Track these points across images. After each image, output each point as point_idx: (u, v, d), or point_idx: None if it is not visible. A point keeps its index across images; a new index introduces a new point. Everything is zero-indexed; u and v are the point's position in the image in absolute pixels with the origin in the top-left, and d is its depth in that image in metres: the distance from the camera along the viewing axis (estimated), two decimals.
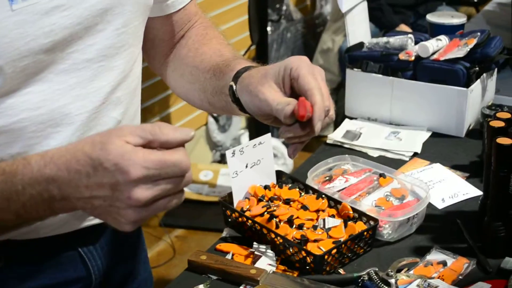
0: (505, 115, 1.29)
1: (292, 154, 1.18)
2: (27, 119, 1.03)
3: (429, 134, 1.73)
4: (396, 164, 1.60)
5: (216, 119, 3.31)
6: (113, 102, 1.14)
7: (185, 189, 2.94)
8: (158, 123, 0.90)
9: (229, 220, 1.37)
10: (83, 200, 0.89)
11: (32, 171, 0.90)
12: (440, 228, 1.36)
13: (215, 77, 1.26)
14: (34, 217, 0.96)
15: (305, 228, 1.28)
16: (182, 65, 1.35)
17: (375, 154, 1.67)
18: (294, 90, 1.14)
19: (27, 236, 1.11)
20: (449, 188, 1.49)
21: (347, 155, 1.56)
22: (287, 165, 3.44)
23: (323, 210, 1.33)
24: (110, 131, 0.91)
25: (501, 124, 1.25)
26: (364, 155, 1.64)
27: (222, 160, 3.49)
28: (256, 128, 2.94)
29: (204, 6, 3.41)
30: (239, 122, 3.55)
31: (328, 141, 1.75)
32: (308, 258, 1.21)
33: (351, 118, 1.85)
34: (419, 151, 1.67)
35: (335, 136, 1.75)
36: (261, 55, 2.80)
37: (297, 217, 1.30)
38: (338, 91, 3.72)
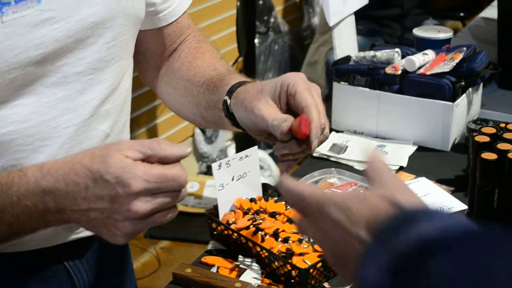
0: (490, 130, 1.30)
1: (286, 171, 1.17)
2: (15, 131, 1.02)
3: (415, 148, 1.74)
4: None
5: (203, 131, 3.31)
6: (102, 115, 1.14)
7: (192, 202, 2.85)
8: (156, 139, 0.92)
9: (215, 232, 1.37)
10: (79, 212, 0.89)
11: (28, 183, 0.90)
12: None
13: (209, 91, 1.25)
14: (26, 229, 0.96)
15: (290, 241, 1.27)
16: (175, 79, 1.35)
17: (361, 167, 1.65)
18: (290, 107, 1.13)
19: (12, 249, 1.10)
20: (435, 202, 1.48)
21: (333, 169, 1.56)
22: (274, 177, 3.45)
23: None
24: (109, 145, 0.92)
25: (486, 139, 1.26)
26: (351, 169, 1.64)
27: (209, 171, 3.48)
28: (242, 141, 2.94)
29: (192, 17, 3.41)
30: (226, 134, 3.55)
31: (314, 154, 1.75)
32: (293, 272, 1.20)
33: (337, 131, 1.85)
34: (404, 164, 1.67)
35: (322, 149, 1.75)
36: (249, 67, 2.80)
37: (283, 231, 1.30)
38: (325, 103, 3.74)
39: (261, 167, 3.40)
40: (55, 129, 1.07)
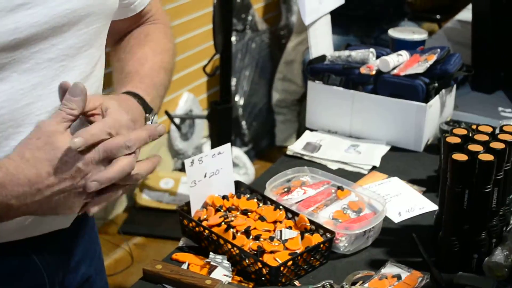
0: (461, 131, 1.30)
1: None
2: None
3: (388, 148, 1.74)
4: (355, 177, 1.61)
5: (178, 127, 3.32)
6: None
7: (146, 196, 2.92)
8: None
9: (186, 229, 1.37)
10: (40, 201, 0.98)
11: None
12: (395, 241, 1.36)
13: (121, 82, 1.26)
14: None
15: (262, 239, 1.28)
16: (117, 58, 1.35)
17: (334, 166, 1.68)
18: None
19: None
20: (406, 202, 1.50)
21: (306, 167, 1.56)
22: (249, 174, 3.46)
23: (280, 222, 1.34)
24: (42, 132, 1.00)
25: (457, 140, 1.25)
26: (323, 167, 1.64)
27: (183, 168, 3.48)
28: (218, 138, 2.95)
29: (169, 14, 3.42)
30: (201, 130, 3.57)
31: (288, 153, 1.75)
32: (264, 270, 1.21)
33: (311, 130, 1.86)
34: (377, 164, 1.68)
35: (295, 147, 1.76)
36: (225, 65, 2.82)
37: (254, 228, 1.31)
38: (301, 102, 3.76)
39: (236, 165, 3.42)
40: (28, 116, 1.06)
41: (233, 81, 3.53)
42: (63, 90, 1.05)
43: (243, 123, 3.65)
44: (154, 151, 3.14)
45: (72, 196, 1.00)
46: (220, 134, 2.91)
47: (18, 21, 1.00)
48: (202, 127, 3.59)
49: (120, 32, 1.34)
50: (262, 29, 3.85)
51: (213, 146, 2.94)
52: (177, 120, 3.32)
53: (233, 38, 3.51)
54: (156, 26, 1.38)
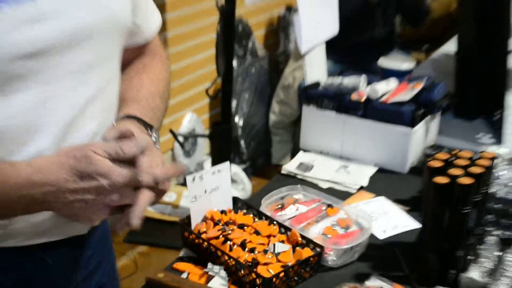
0: (444, 156, 1.30)
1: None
2: (7, 126, 1.00)
3: (375, 169, 1.74)
4: (344, 195, 1.60)
5: (181, 145, 3.31)
6: (89, 115, 1.11)
7: (150, 208, 2.90)
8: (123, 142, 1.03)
9: (187, 241, 1.38)
10: (65, 203, 0.98)
11: (18, 176, 0.97)
12: (380, 257, 1.36)
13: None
14: (3, 214, 1.01)
15: (256, 251, 1.28)
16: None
17: (325, 185, 1.67)
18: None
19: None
20: (391, 220, 1.50)
21: (299, 185, 1.56)
22: (246, 190, 3.45)
23: (274, 236, 1.34)
24: (86, 146, 1.00)
25: (439, 164, 1.26)
26: (315, 186, 1.64)
27: (186, 183, 3.47)
28: (218, 155, 2.94)
29: (175, 39, 3.40)
30: (203, 148, 3.56)
31: (282, 172, 1.75)
32: (257, 280, 1.21)
33: (305, 151, 1.85)
34: (365, 184, 1.67)
35: (289, 167, 1.75)
36: (226, 88, 2.83)
37: (250, 241, 1.31)
38: (296, 124, 3.75)
39: (235, 181, 3.41)
40: (45, 124, 1.04)
41: (234, 103, 3.52)
42: (121, 132, 1.06)
43: (242, 142, 3.64)
44: None
45: (93, 209, 1.00)
46: (220, 152, 2.90)
47: (37, 32, 0.99)
48: (204, 145, 3.58)
49: (123, 62, 1.31)
50: (262, 55, 3.85)
51: (214, 163, 2.93)
52: (180, 138, 3.30)
53: (235, 63, 3.49)
54: (154, 58, 1.37)
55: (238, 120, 3.63)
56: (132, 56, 1.33)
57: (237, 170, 3.43)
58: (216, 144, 2.94)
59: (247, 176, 3.53)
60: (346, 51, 3.32)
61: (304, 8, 1.79)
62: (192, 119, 3.52)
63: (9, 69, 0.97)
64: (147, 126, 1.17)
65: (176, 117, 3.43)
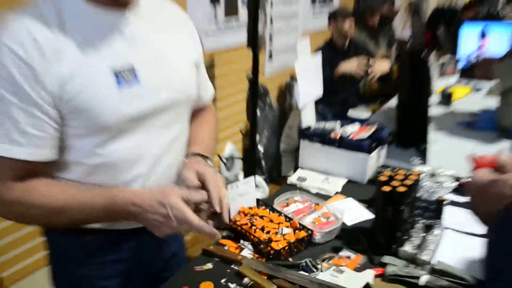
0: (388, 173, 1.30)
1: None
2: (120, 159, 0.98)
3: (346, 180, 1.72)
4: (326, 197, 1.59)
5: (225, 164, 3.30)
6: (169, 152, 1.08)
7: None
8: (192, 189, 0.99)
9: (227, 225, 1.35)
10: (147, 219, 0.94)
11: (124, 197, 0.94)
12: (349, 236, 1.35)
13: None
14: (111, 219, 0.98)
15: (270, 233, 1.27)
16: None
17: (314, 191, 1.66)
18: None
19: (108, 227, 1.06)
20: (356, 213, 1.49)
21: (297, 191, 1.55)
22: (265, 192, 3.38)
23: (281, 223, 1.33)
24: (169, 189, 0.95)
25: (385, 178, 1.26)
26: (308, 192, 1.63)
27: (227, 189, 3.41)
28: (247, 170, 2.93)
29: (221, 98, 3.37)
30: (238, 165, 3.54)
31: (288, 182, 1.73)
32: (271, 251, 1.21)
33: (302, 168, 1.84)
34: (339, 190, 1.65)
35: (292, 179, 1.74)
36: (252, 128, 2.79)
37: (267, 226, 1.30)
38: (297, 150, 3.68)
39: (258, 186, 3.36)
40: (142, 158, 1.01)
41: (257, 137, 3.49)
42: (192, 183, 1.00)
43: (263, 162, 3.60)
44: None
45: (162, 226, 0.95)
46: (249, 168, 2.89)
47: (139, 105, 0.96)
48: (238, 164, 3.55)
49: (191, 115, 1.28)
50: (275, 107, 3.83)
51: (245, 175, 2.92)
52: (224, 159, 3.30)
53: (258, 112, 3.44)
54: (209, 113, 1.33)
55: (261, 148, 3.60)
56: (195, 113, 1.29)
57: (259, 179, 3.38)
58: (246, 163, 2.95)
59: (266, 183, 3.49)
60: (330, 104, 3.31)
61: (301, 80, 1.78)
62: (231, 147, 3.50)
63: (123, 126, 0.95)
64: (206, 157, 1.14)
65: (221, 146, 3.40)
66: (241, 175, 3.53)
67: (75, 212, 0.92)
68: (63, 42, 0.85)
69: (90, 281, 1.07)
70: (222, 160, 3.19)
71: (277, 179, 3.86)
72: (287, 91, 4.13)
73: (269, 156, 3.69)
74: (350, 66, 3.12)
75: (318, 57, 1.89)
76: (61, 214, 0.92)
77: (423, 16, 1.82)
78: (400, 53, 1.97)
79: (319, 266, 1.17)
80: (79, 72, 0.86)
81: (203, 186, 1.01)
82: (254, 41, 2.30)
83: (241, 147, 3.69)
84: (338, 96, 3.30)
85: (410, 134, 2.03)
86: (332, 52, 3.28)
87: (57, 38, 0.85)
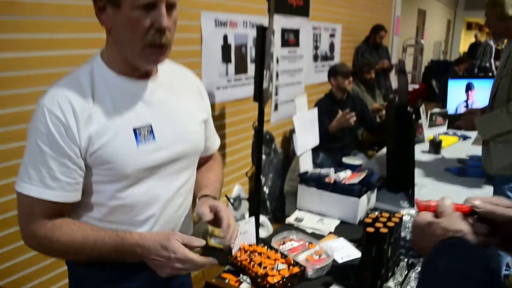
0: (373, 215, 1.33)
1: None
2: (136, 200, 1.02)
3: (339, 221, 1.75)
4: (320, 237, 1.62)
5: (232, 204, 3.27)
6: (179, 195, 1.11)
7: (213, 240, 2.77)
8: (191, 237, 1.01)
9: (229, 260, 1.39)
10: (151, 259, 0.98)
11: (131, 239, 0.99)
12: (339, 273, 1.37)
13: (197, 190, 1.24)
14: (119, 257, 1.01)
15: (267, 268, 1.30)
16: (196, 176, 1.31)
17: (309, 230, 1.69)
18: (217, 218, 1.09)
19: (122, 260, 1.05)
20: (346, 251, 1.51)
21: (293, 230, 1.58)
22: (269, 231, 3.30)
23: (277, 259, 1.36)
24: (172, 234, 0.99)
25: (369, 220, 1.30)
26: (304, 231, 1.66)
27: None
28: (253, 210, 2.91)
29: (229, 145, 3.38)
30: (245, 205, 3.52)
31: (286, 222, 1.77)
32: (267, 284, 1.23)
33: (300, 210, 1.87)
34: (332, 230, 1.68)
35: (290, 219, 1.78)
36: (257, 173, 2.74)
37: (264, 262, 1.33)
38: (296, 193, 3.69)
39: (262, 226, 3.33)
40: (155, 200, 1.05)
41: (263, 180, 3.49)
42: (207, 217, 1.05)
43: (268, 202, 3.59)
44: None
45: (164, 267, 0.98)
46: (254, 209, 2.77)
47: (155, 156, 1.01)
48: (245, 204, 3.51)
49: (199, 162, 1.29)
50: (280, 152, 3.84)
51: (250, 214, 2.90)
52: (232, 200, 3.27)
53: (264, 157, 3.47)
54: (215, 162, 1.35)
55: (266, 189, 3.60)
56: (203, 160, 1.31)
57: (264, 219, 3.33)
58: (252, 203, 2.90)
59: (270, 222, 3.44)
60: (329, 151, 3.36)
61: (299, 131, 1.87)
62: (239, 189, 3.50)
63: (140, 175, 1.01)
64: (214, 198, 1.16)
65: (229, 188, 3.41)
66: (247, 214, 3.53)
67: (89, 251, 0.98)
68: (93, 107, 0.95)
69: None
70: (229, 201, 3.15)
71: (281, 219, 3.78)
72: (291, 137, 4.16)
73: (273, 197, 3.66)
74: (337, 122, 3.14)
75: (314, 112, 1.98)
76: (79, 251, 0.98)
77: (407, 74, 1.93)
78: (387, 107, 2.03)
79: None
80: (105, 131, 0.95)
81: (216, 216, 1.07)
82: (260, 96, 2.39)
83: (248, 188, 3.69)
84: (336, 144, 3.35)
85: (398, 179, 2.07)
86: (331, 104, 3.39)
87: (89, 104, 0.95)
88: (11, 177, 1.74)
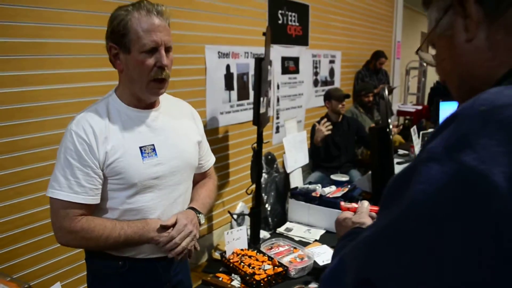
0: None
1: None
2: (142, 205, 1.18)
3: (324, 231, 1.88)
4: (306, 244, 1.74)
5: (235, 220, 3.36)
6: (176, 204, 1.25)
7: (216, 253, 2.85)
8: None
9: (223, 262, 1.53)
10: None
11: (149, 224, 1.16)
12: (319, 273, 1.47)
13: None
14: (134, 242, 1.18)
15: (255, 268, 1.44)
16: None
17: (297, 239, 1.82)
18: None
19: (135, 255, 1.23)
20: (328, 256, 1.62)
21: (281, 238, 1.71)
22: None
23: (265, 261, 1.50)
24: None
25: None
26: (292, 239, 1.79)
27: None
28: (253, 226, 2.81)
29: (233, 165, 3.46)
30: (247, 221, 3.53)
31: (277, 231, 1.90)
32: (254, 281, 1.38)
33: (290, 221, 2.00)
34: (318, 238, 1.81)
35: (281, 229, 1.92)
36: (257, 190, 2.82)
37: (252, 263, 1.47)
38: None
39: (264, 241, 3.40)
40: (158, 205, 1.20)
41: (265, 197, 3.54)
42: (166, 223, 1.18)
43: (269, 219, 3.66)
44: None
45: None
46: (254, 224, 2.85)
47: (157, 169, 1.18)
48: (247, 220, 3.53)
49: (195, 179, 1.40)
50: (281, 171, 3.87)
51: (252, 230, 2.84)
52: (235, 216, 3.35)
53: (266, 175, 3.57)
54: (209, 180, 1.46)
55: (268, 206, 3.68)
56: (200, 177, 1.44)
57: (266, 234, 3.46)
58: (252, 219, 2.88)
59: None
60: (328, 169, 3.45)
61: (288, 151, 2.04)
62: (242, 206, 3.57)
63: (144, 184, 1.17)
64: (198, 212, 1.29)
65: (233, 205, 3.47)
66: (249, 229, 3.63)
67: (117, 235, 1.15)
68: (109, 130, 1.17)
69: None
70: (232, 216, 3.25)
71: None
72: None
73: (275, 214, 3.74)
74: (316, 134, 3.19)
75: (303, 135, 2.17)
76: (109, 237, 1.14)
77: (387, 99, 2.10)
78: (370, 129, 2.19)
79: None
80: (118, 149, 1.16)
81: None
82: (258, 121, 2.60)
83: (250, 205, 3.71)
84: (334, 164, 3.47)
85: (381, 193, 2.22)
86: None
87: (106, 128, 1.16)
88: (36, 193, 1.97)
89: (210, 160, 1.49)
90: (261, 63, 2.54)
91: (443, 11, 0.56)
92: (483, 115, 0.42)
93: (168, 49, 1.16)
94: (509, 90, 0.45)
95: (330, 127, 3.12)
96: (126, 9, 1.12)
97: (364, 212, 0.89)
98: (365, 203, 0.92)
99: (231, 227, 3.55)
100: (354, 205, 0.97)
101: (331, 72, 5.00)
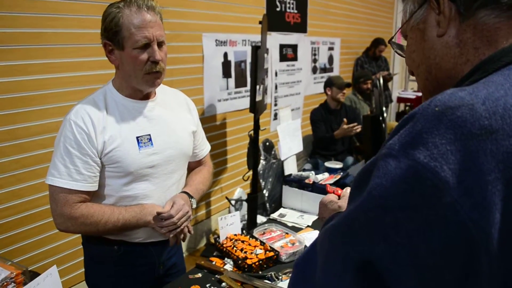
0: None
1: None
2: (137, 193, 1.23)
3: (316, 217, 1.89)
4: (298, 229, 1.77)
5: (234, 205, 3.37)
6: (171, 191, 1.29)
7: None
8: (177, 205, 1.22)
9: (217, 246, 1.57)
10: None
11: (145, 208, 1.20)
12: None
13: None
14: (131, 226, 1.21)
15: (247, 253, 1.48)
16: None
17: (290, 224, 1.84)
18: None
19: (131, 240, 1.27)
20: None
21: (273, 224, 1.74)
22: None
23: (257, 246, 1.53)
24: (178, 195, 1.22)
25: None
26: (285, 225, 1.81)
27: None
28: (251, 209, 2.95)
29: (231, 152, 3.47)
30: (245, 207, 3.51)
31: (271, 217, 1.93)
32: (246, 265, 1.41)
33: (284, 208, 2.03)
34: (310, 224, 1.83)
35: (274, 215, 1.95)
36: (254, 175, 2.84)
37: (245, 248, 1.50)
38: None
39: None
40: (153, 192, 1.25)
41: (262, 183, 3.52)
42: (163, 209, 1.21)
43: (267, 204, 3.64)
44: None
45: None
46: (252, 210, 2.94)
47: (152, 158, 1.21)
48: (245, 205, 3.51)
49: (190, 166, 1.46)
50: (279, 157, 3.96)
51: (249, 215, 2.96)
52: (233, 202, 3.37)
53: (264, 162, 3.53)
54: (204, 166, 1.50)
55: (266, 192, 3.66)
56: (195, 165, 1.49)
57: (263, 219, 3.39)
58: (249, 205, 2.98)
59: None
60: (325, 156, 3.48)
61: (283, 139, 2.07)
62: (240, 191, 3.59)
63: (142, 172, 1.21)
64: (191, 197, 1.33)
65: (231, 191, 3.50)
66: (246, 215, 3.66)
67: (115, 219, 1.19)
68: (106, 120, 1.19)
69: (114, 277, 1.30)
70: (230, 202, 3.29)
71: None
72: None
73: (273, 200, 3.75)
74: (342, 131, 3.35)
75: (297, 122, 2.20)
76: (108, 222, 1.18)
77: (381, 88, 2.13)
78: (363, 117, 2.22)
79: (280, 277, 1.37)
80: (115, 139, 1.18)
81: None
82: (254, 109, 2.63)
83: (249, 191, 3.75)
84: (331, 151, 3.50)
85: None
86: (326, 113, 3.61)
87: (103, 117, 1.19)
88: (37, 179, 2.01)
89: (205, 148, 1.52)
90: (258, 51, 2.55)
91: (419, 4, 0.58)
92: (437, 115, 0.45)
93: (161, 44, 1.18)
94: (462, 91, 0.47)
95: (358, 129, 3.17)
96: (117, 6, 1.13)
97: (347, 198, 0.92)
98: (349, 189, 0.95)
99: (229, 213, 3.54)
100: (338, 189, 1.00)
101: (330, 59, 4.99)
